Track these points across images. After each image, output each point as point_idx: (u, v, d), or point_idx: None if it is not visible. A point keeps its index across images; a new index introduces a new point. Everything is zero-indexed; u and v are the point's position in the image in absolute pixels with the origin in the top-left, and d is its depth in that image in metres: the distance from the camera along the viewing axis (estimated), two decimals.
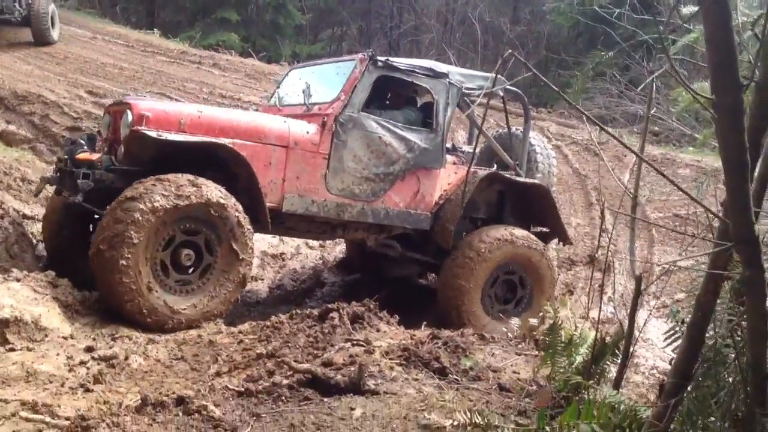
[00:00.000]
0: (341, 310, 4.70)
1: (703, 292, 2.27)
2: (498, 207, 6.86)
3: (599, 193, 11.04)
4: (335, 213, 5.95)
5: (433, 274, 7.86)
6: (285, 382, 3.48)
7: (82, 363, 3.96)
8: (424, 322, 5.34)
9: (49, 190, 6.27)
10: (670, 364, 2.87)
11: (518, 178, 6.66)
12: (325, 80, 6.38)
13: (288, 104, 6.52)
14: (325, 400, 3.35)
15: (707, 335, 2.48)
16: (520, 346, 4.62)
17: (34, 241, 6.50)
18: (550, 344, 3.62)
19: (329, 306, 4.80)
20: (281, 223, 5.88)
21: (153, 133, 5.14)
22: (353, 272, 7.90)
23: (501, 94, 6.76)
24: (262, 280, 7.53)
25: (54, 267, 5.83)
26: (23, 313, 4.21)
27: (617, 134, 13.89)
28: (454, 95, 6.34)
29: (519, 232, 6.47)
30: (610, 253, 6.57)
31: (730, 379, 2.51)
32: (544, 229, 7.03)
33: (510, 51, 2.21)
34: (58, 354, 4.04)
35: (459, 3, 25.73)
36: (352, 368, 3.61)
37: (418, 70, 6.25)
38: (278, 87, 7.10)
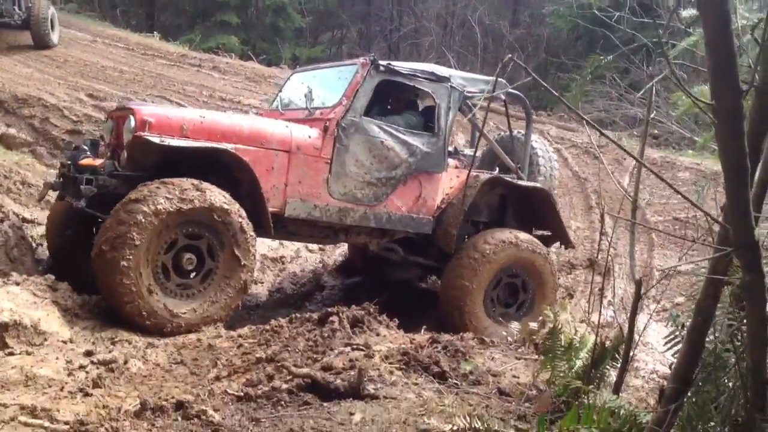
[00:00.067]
0: (341, 314, 4.70)
1: (703, 297, 2.27)
2: (500, 210, 6.86)
3: (599, 197, 11.04)
4: (337, 217, 5.96)
5: (434, 278, 7.88)
6: (284, 386, 3.48)
7: (82, 367, 3.95)
8: (424, 326, 5.33)
9: (52, 195, 6.27)
10: (670, 368, 2.87)
11: (520, 182, 6.67)
12: (326, 85, 6.39)
13: (290, 108, 6.52)
14: (325, 404, 3.34)
15: (707, 340, 2.48)
16: (519, 350, 4.62)
17: (34, 244, 6.50)
18: (550, 348, 3.61)
19: (329, 310, 4.80)
20: (284, 227, 5.88)
21: (156, 139, 5.15)
22: (354, 275, 7.89)
23: (503, 97, 6.76)
24: (262, 283, 7.53)
25: (57, 270, 5.86)
26: (22, 317, 4.20)
27: (617, 137, 13.90)
28: (456, 99, 6.35)
29: (524, 235, 6.48)
30: (609, 256, 6.57)
31: (730, 384, 2.51)
32: (546, 233, 7.03)
33: (510, 56, 2.21)
34: (57, 358, 4.03)
35: (458, 6, 25.77)
36: (352, 373, 3.60)
37: (419, 74, 6.25)
38: (280, 91, 7.11)
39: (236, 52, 18.25)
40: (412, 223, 6.32)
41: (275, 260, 8.00)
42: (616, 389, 3.10)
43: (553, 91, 2.31)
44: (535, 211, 6.86)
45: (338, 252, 8.43)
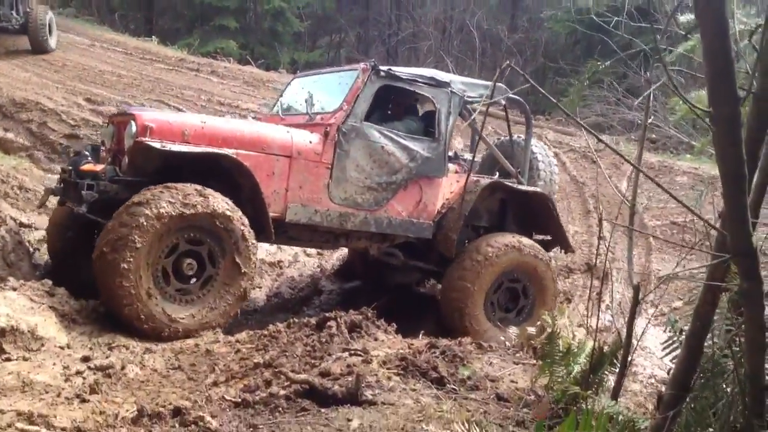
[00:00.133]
0: (339, 319, 4.69)
1: (702, 304, 2.26)
2: (500, 215, 6.87)
3: (597, 201, 11.05)
4: (338, 222, 5.96)
5: (432, 282, 7.88)
6: (282, 392, 3.46)
7: (79, 373, 3.94)
8: (422, 331, 5.33)
9: (51, 201, 6.28)
10: (668, 374, 2.87)
11: (520, 186, 6.68)
12: (327, 90, 6.40)
13: (290, 113, 6.53)
14: (323, 410, 3.33)
15: (705, 345, 2.48)
16: (518, 355, 4.61)
17: (31, 249, 6.49)
18: (548, 353, 3.61)
19: (327, 315, 4.79)
20: (284, 232, 5.88)
21: (157, 144, 5.15)
22: (353, 280, 7.89)
23: (503, 102, 6.77)
24: (260, 288, 7.52)
25: (56, 272, 5.87)
26: (19, 322, 4.19)
27: (614, 141, 13.92)
28: (456, 104, 6.36)
29: (527, 240, 6.50)
30: (607, 261, 6.56)
31: (729, 390, 2.50)
32: (546, 237, 7.03)
33: (508, 62, 2.21)
34: (54, 364, 4.02)
35: (457, 11, 25.82)
36: (350, 378, 3.60)
37: (420, 80, 6.27)
38: (280, 96, 7.12)
39: (235, 57, 18.28)
40: (413, 227, 6.32)
41: (273, 265, 7.99)
42: (615, 395, 3.09)
43: (551, 98, 2.32)
44: (535, 215, 6.86)
45: (336, 257, 8.42)
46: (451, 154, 6.85)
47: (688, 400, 2.46)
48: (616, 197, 11.03)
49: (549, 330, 3.74)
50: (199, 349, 4.58)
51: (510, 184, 6.63)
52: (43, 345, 4.21)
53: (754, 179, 2.13)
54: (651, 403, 3.71)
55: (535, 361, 4.26)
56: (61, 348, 4.29)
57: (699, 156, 13.06)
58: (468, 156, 7.32)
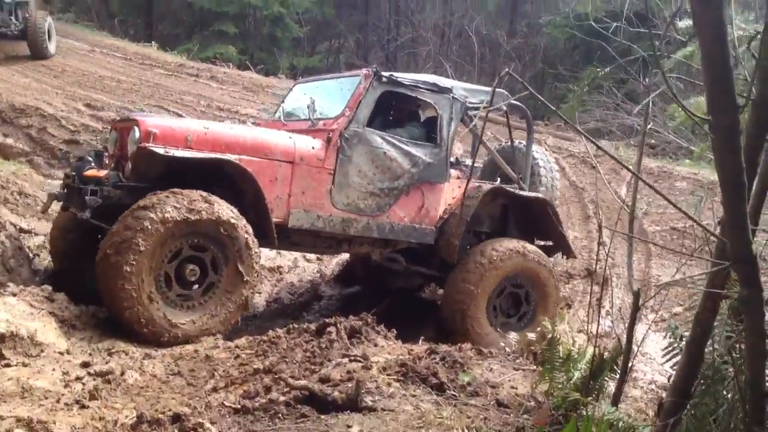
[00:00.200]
0: (338, 325, 4.68)
1: (702, 311, 2.27)
2: (502, 221, 6.88)
3: (596, 207, 11.05)
4: (340, 228, 5.98)
5: (432, 287, 7.88)
6: (282, 398, 3.46)
7: (78, 379, 3.93)
8: (422, 337, 5.33)
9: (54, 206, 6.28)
10: (668, 380, 2.86)
11: (522, 192, 6.69)
12: (329, 95, 6.43)
13: (292, 119, 6.54)
14: (322, 417, 3.33)
15: (706, 352, 2.48)
16: (518, 361, 4.61)
17: (31, 255, 6.49)
18: (548, 359, 3.60)
19: (326, 320, 4.78)
20: (287, 238, 5.89)
21: (161, 150, 5.16)
22: (353, 285, 7.89)
23: (504, 108, 6.79)
24: (260, 293, 7.51)
25: (57, 274, 5.94)
26: (19, 328, 4.18)
27: (614, 147, 13.94)
28: (458, 110, 6.37)
29: (531, 246, 6.53)
30: (607, 266, 6.55)
31: (729, 397, 2.50)
32: (548, 243, 7.04)
33: (507, 70, 2.21)
34: (53, 369, 4.01)
35: (456, 16, 25.84)
36: (350, 384, 3.59)
37: (422, 86, 6.29)
38: (282, 101, 7.13)
39: (234, 62, 18.29)
40: (415, 233, 6.33)
41: (273, 270, 7.99)
42: (615, 401, 3.09)
43: (550, 105, 2.32)
44: (536, 221, 6.87)
45: (335, 262, 8.42)
46: (452, 159, 6.86)
47: (688, 407, 2.46)
48: (615, 203, 11.03)
49: (549, 336, 3.74)
50: (199, 355, 4.57)
51: (511, 189, 6.65)
52: (42, 351, 4.20)
53: (754, 186, 2.13)
54: (651, 410, 3.70)
55: (535, 367, 4.25)
56: (61, 354, 4.28)
57: (698, 161, 13.08)
58: (470, 162, 7.33)
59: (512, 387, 4.01)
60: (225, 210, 5.11)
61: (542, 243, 7.02)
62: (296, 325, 4.89)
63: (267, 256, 7.92)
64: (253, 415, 3.37)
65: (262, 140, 5.74)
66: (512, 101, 6.37)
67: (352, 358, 4.17)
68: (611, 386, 3.34)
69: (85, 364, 4.15)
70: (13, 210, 7.37)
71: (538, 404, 3.64)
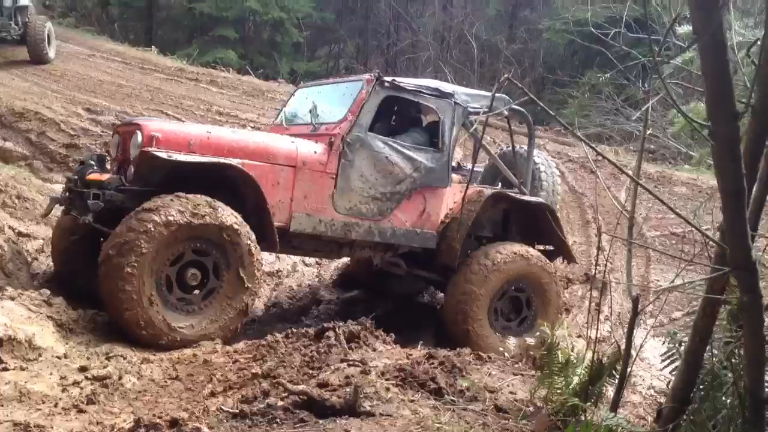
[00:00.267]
0: (337, 329, 4.67)
1: (701, 316, 2.26)
2: (503, 225, 6.89)
3: (596, 212, 11.04)
4: (342, 232, 5.98)
5: (431, 291, 7.87)
6: (280, 403, 3.45)
7: (76, 383, 3.93)
8: (421, 342, 5.32)
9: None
10: (667, 386, 2.86)
11: (523, 197, 6.69)
12: (331, 100, 6.44)
13: (294, 123, 6.55)
14: (320, 422, 3.31)
15: (705, 358, 2.47)
16: (517, 366, 4.60)
17: (29, 259, 6.48)
18: (547, 365, 3.60)
19: (325, 325, 4.78)
20: (288, 242, 5.89)
21: (163, 154, 5.17)
22: (354, 288, 7.89)
23: (506, 113, 6.80)
24: (259, 297, 7.47)
25: (58, 278, 5.95)
26: (17, 331, 4.18)
27: (613, 152, 13.94)
28: (460, 115, 6.38)
29: (535, 251, 6.54)
30: (606, 272, 6.55)
31: (728, 403, 2.50)
32: (549, 247, 7.04)
33: (506, 76, 2.21)
34: (51, 374, 4.01)
35: (455, 21, 25.88)
36: (348, 389, 3.58)
37: (424, 91, 6.30)
38: (284, 106, 7.14)
39: (234, 67, 18.32)
40: (417, 238, 6.34)
41: (272, 274, 7.98)
42: (614, 406, 3.08)
43: (550, 111, 2.32)
44: (537, 225, 6.87)
45: (334, 266, 8.41)
46: (453, 164, 6.86)
47: (687, 412, 2.45)
48: (615, 207, 11.02)
49: (548, 341, 3.73)
50: (197, 359, 4.56)
51: (513, 194, 6.65)
52: (40, 355, 4.20)
53: (753, 191, 2.12)
54: (650, 415, 3.70)
55: (534, 373, 4.24)
56: (59, 358, 4.28)
57: (697, 167, 13.08)
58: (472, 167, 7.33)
59: (511, 392, 4.00)
60: (229, 216, 5.11)
61: (543, 247, 7.02)
62: (295, 330, 4.88)
63: (266, 260, 7.88)
64: (251, 419, 3.35)
65: (265, 145, 5.75)
66: (514, 106, 6.38)
67: (351, 362, 4.16)
68: (610, 392, 3.33)
69: (83, 369, 4.15)
70: (11, 214, 7.36)
71: (536, 409, 3.63)
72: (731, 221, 1.91)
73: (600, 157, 12.02)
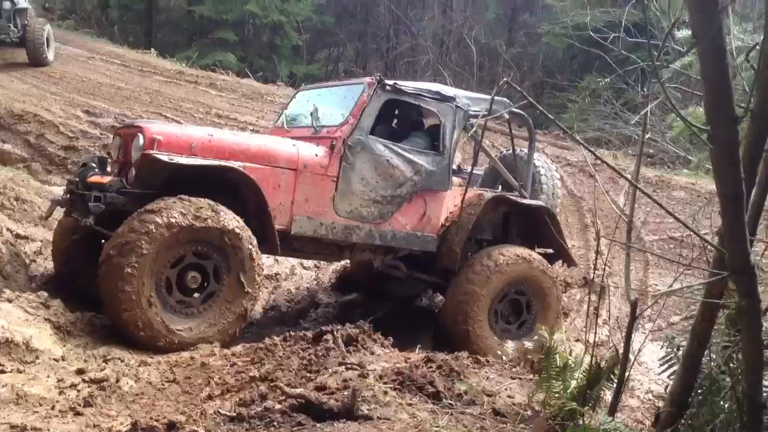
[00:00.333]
0: (335, 333, 4.67)
1: (699, 321, 2.26)
2: (503, 228, 6.89)
3: (594, 216, 11.04)
4: (343, 235, 5.98)
5: (430, 294, 7.87)
6: (278, 406, 3.44)
7: (73, 386, 3.92)
8: (419, 345, 5.31)
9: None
10: (665, 390, 2.85)
11: (523, 200, 6.70)
12: (333, 103, 6.46)
13: (295, 126, 6.56)
14: (318, 425, 3.31)
15: (703, 362, 2.47)
16: (515, 369, 4.59)
17: (27, 261, 6.47)
18: (545, 368, 3.59)
19: (323, 328, 4.78)
20: (289, 245, 5.90)
21: (164, 157, 5.17)
22: (352, 292, 7.89)
23: (507, 116, 6.80)
24: (257, 300, 7.48)
25: (58, 277, 5.97)
26: (14, 334, 4.18)
27: (612, 156, 13.94)
28: (461, 119, 6.39)
29: (537, 255, 6.55)
30: (604, 276, 6.55)
31: (726, 406, 2.49)
32: (549, 251, 7.04)
33: (506, 79, 2.21)
34: (48, 376, 4.00)
35: (455, 25, 25.90)
36: (346, 393, 3.57)
37: (425, 94, 6.31)
38: (285, 108, 7.14)
39: (233, 69, 18.31)
40: (417, 240, 6.34)
41: (270, 277, 7.96)
42: (612, 411, 3.08)
43: (549, 115, 2.32)
44: (537, 229, 6.87)
45: (332, 269, 8.40)
46: (454, 167, 6.87)
47: (685, 417, 2.45)
48: (613, 211, 11.02)
49: (546, 345, 3.73)
50: (195, 362, 4.56)
51: (513, 197, 6.66)
52: (37, 357, 4.19)
53: (752, 196, 2.12)
54: (648, 420, 3.69)
55: (532, 376, 4.24)
56: (56, 360, 4.27)
57: (696, 171, 13.07)
58: (475, 170, 7.34)
59: (509, 396, 3.99)
60: (231, 220, 5.12)
61: (542, 251, 7.02)
62: (293, 333, 4.88)
63: (264, 263, 7.89)
64: (249, 423, 3.35)
65: (266, 148, 5.76)
66: (514, 109, 6.39)
67: (349, 366, 4.15)
68: (608, 396, 3.33)
69: (80, 371, 4.14)
70: (10, 216, 7.34)
71: (534, 413, 3.63)
72: (730, 225, 1.91)
73: (599, 161, 12.00)
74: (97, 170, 5.73)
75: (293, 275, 8.23)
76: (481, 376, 4.31)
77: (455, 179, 6.64)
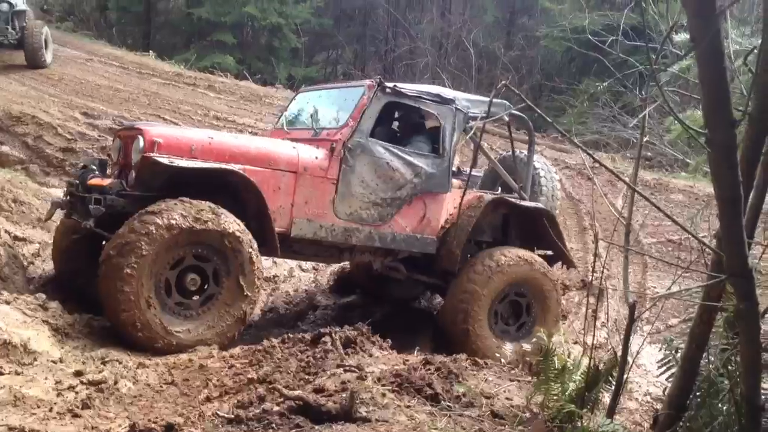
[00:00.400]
0: (334, 335, 4.67)
1: (697, 323, 2.26)
2: (503, 230, 6.90)
3: (592, 218, 11.05)
4: (343, 237, 5.98)
5: (428, 296, 7.87)
6: (276, 409, 3.44)
7: (71, 387, 3.92)
8: (417, 347, 5.31)
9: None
10: (664, 393, 2.86)
11: (523, 202, 6.71)
12: (333, 105, 6.47)
13: (295, 128, 6.56)
14: (316, 427, 3.31)
15: (701, 364, 2.47)
16: (513, 372, 4.60)
17: (25, 263, 6.47)
18: (544, 371, 3.60)
19: (322, 330, 4.77)
20: (289, 247, 5.89)
21: (164, 159, 5.17)
22: (350, 294, 7.89)
23: (506, 118, 6.81)
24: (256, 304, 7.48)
25: (58, 277, 5.98)
26: (12, 336, 4.17)
27: (610, 159, 13.96)
28: (461, 121, 6.39)
29: (538, 257, 6.56)
30: (603, 278, 6.55)
31: (725, 409, 2.50)
32: (549, 253, 7.05)
33: (504, 82, 2.22)
34: (46, 378, 3.99)
35: (453, 28, 25.92)
36: (344, 395, 3.57)
37: (425, 96, 6.31)
38: (285, 110, 7.15)
39: (231, 72, 18.31)
40: (417, 243, 6.34)
41: (268, 280, 7.96)
42: (610, 413, 3.08)
43: (547, 118, 2.32)
44: (537, 231, 6.88)
45: (331, 272, 8.40)
46: (454, 169, 6.87)
47: (683, 419, 2.45)
48: (612, 214, 11.03)
49: (545, 347, 3.73)
50: (193, 364, 4.55)
51: (513, 199, 6.66)
52: (35, 359, 4.19)
53: (750, 199, 2.13)
54: (647, 422, 3.69)
55: (530, 379, 4.24)
56: (54, 362, 4.26)
57: (694, 174, 13.10)
58: (474, 172, 7.35)
59: (507, 398, 4.00)
60: (231, 223, 5.12)
61: (541, 253, 7.03)
62: (291, 335, 4.88)
63: (263, 265, 7.89)
64: (247, 425, 3.34)
65: (267, 150, 5.76)
66: (513, 111, 6.40)
67: (347, 368, 4.15)
68: (606, 398, 3.33)
69: (79, 373, 4.13)
70: (8, 218, 7.34)
71: (533, 416, 3.63)
72: (728, 228, 1.91)
73: (597, 164, 12.03)
74: (97, 172, 5.73)
75: (292, 277, 8.23)
76: (480, 378, 4.31)
77: (455, 181, 6.65)
